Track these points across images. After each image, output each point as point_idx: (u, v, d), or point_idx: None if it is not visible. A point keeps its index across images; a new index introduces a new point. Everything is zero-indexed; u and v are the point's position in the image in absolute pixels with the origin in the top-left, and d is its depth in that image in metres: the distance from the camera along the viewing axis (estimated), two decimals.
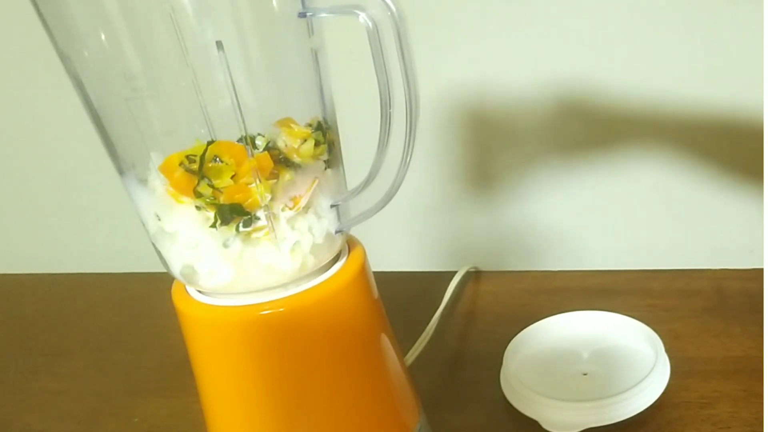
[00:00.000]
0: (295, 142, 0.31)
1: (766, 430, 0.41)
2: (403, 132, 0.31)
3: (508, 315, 0.59)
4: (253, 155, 0.30)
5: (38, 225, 0.82)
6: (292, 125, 0.32)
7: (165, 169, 0.30)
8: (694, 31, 0.56)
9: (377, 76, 0.30)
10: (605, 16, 0.57)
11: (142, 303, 0.68)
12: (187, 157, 0.29)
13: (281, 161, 0.31)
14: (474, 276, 0.66)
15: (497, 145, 0.64)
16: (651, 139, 0.61)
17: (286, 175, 0.31)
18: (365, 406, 0.36)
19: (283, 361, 0.33)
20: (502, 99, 0.62)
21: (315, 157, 0.32)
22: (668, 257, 0.65)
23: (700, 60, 0.57)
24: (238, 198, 0.30)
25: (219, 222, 0.30)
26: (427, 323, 0.55)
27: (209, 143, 0.30)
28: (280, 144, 0.31)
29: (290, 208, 0.31)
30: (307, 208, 0.32)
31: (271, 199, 0.31)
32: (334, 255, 0.35)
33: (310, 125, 0.32)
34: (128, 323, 0.65)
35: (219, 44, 0.28)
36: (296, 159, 0.32)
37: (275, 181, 0.31)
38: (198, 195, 0.30)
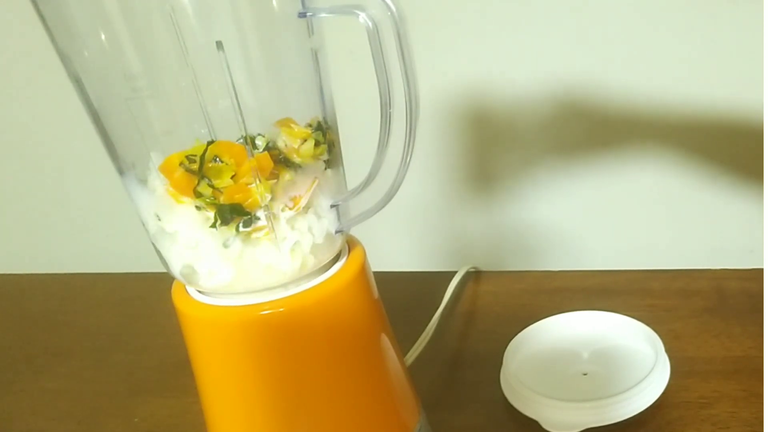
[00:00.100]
0: (295, 142, 0.31)
1: (766, 430, 0.41)
2: (403, 132, 0.31)
3: (508, 315, 0.59)
4: (253, 155, 0.30)
5: (38, 225, 0.82)
6: (292, 125, 0.32)
7: (165, 169, 0.30)
8: (694, 31, 0.56)
9: (377, 76, 0.30)
10: (605, 16, 0.57)
11: (142, 303, 0.68)
12: (187, 157, 0.29)
13: (281, 161, 0.31)
14: (474, 276, 0.66)
15: (497, 145, 0.64)
16: (651, 139, 0.61)
17: (286, 175, 0.31)
18: (365, 406, 0.36)
19: (283, 361, 0.33)
20: (502, 99, 0.62)
21: (315, 157, 0.32)
22: (668, 257, 0.65)
23: (700, 60, 0.57)
24: (238, 198, 0.30)
25: (219, 222, 0.30)
26: (427, 323, 0.55)
27: (209, 143, 0.30)
28: (280, 144, 0.31)
29: (290, 208, 0.31)
30: (307, 208, 0.32)
31: (271, 199, 0.31)
32: (334, 255, 0.35)
33: (310, 125, 0.32)
34: (128, 323, 0.65)
35: (219, 44, 0.28)
36: (296, 159, 0.32)
37: (275, 181, 0.31)
38: (198, 195, 0.30)
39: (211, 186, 0.30)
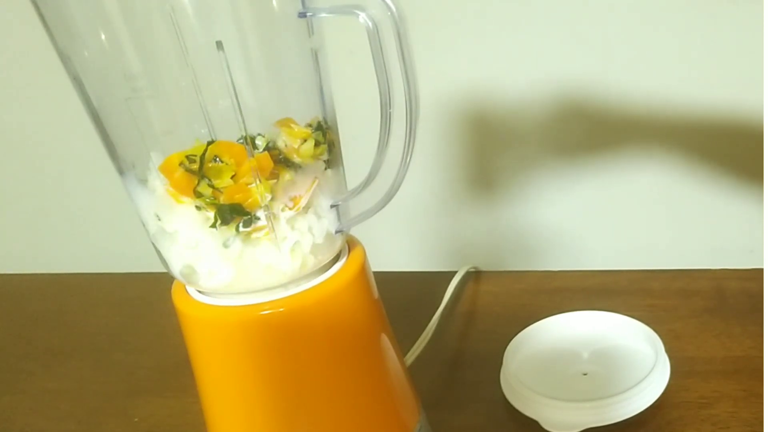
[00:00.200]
0: (295, 142, 0.31)
1: (766, 430, 0.41)
2: (403, 132, 0.31)
3: (508, 315, 0.59)
4: (253, 155, 0.30)
5: (38, 225, 0.82)
6: (292, 125, 0.32)
7: (165, 169, 0.30)
8: (694, 31, 0.56)
9: (377, 76, 0.30)
10: (605, 16, 0.57)
11: (142, 303, 0.68)
12: (187, 157, 0.29)
13: (281, 161, 0.31)
14: (474, 276, 0.66)
15: (497, 145, 0.64)
16: (651, 139, 0.61)
17: (286, 175, 0.31)
18: (365, 406, 0.36)
19: (283, 361, 0.33)
20: (502, 99, 0.62)
21: (315, 157, 0.32)
22: (668, 257, 0.65)
23: (700, 60, 0.57)
24: (238, 198, 0.30)
25: (219, 222, 0.30)
26: (427, 323, 0.55)
27: (209, 143, 0.30)
28: (280, 144, 0.31)
29: (290, 208, 0.31)
30: (307, 208, 0.32)
31: (271, 199, 0.31)
32: (334, 255, 0.35)
33: (310, 125, 0.32)
34: (128, 323, 0.65)
35: (219, 44, 0.28)
36: (296, 159, 0.32)
37: (275, 181, 0.31)
38: (198, 195, 0.30)
39: (211, 186, 0.30)
